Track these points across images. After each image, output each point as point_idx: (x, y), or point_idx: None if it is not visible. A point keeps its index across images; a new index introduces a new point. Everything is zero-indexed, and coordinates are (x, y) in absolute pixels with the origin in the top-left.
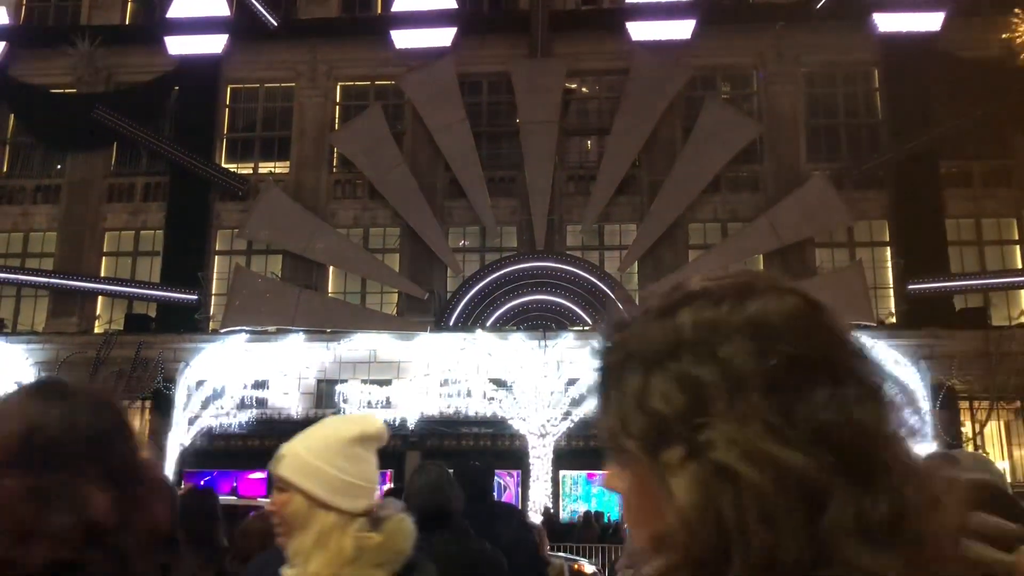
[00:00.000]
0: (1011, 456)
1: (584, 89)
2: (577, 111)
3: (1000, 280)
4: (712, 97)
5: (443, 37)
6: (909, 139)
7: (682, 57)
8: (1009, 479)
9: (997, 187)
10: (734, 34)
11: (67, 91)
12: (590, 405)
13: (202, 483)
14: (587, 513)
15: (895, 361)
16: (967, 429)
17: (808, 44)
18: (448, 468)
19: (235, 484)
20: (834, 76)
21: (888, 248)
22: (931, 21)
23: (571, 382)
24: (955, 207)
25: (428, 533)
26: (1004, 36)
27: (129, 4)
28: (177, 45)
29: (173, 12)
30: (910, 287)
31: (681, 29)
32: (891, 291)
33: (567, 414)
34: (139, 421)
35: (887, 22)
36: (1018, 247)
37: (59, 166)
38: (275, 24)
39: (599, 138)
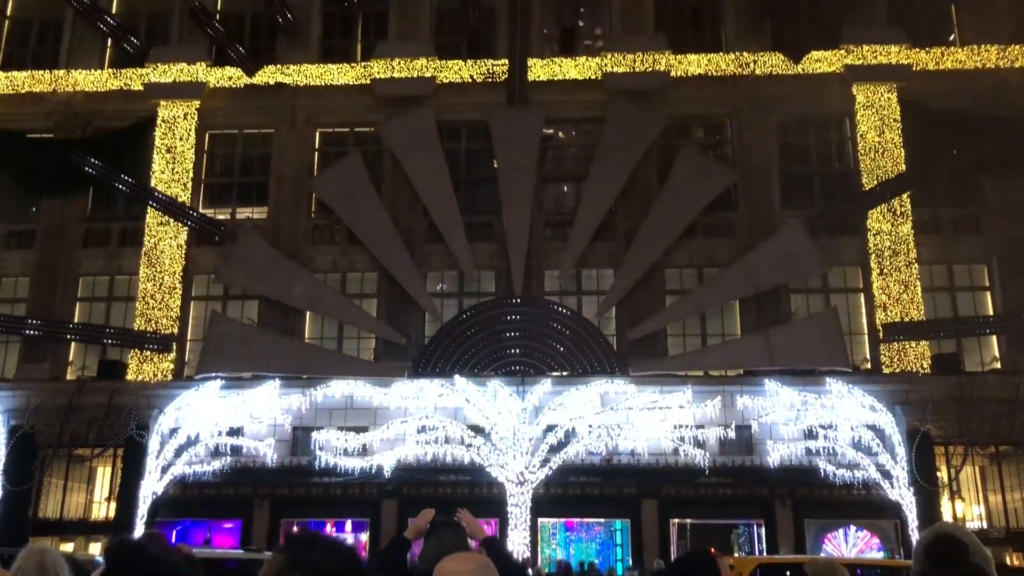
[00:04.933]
0: (986, 501)
1: (561, 135)
2: (554, 157)
3: (973, 326)
4: (687, 145)
5: (422, 86)
6: (881, 187)
7: (657, 106)
8: (984, 524)
9: (967, 233)
10: (708, 83)
11: (44, 136)
12: (568, 451)
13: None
14: (560, 563)
15: (871, 407)
16: (943, 474)
17: (781, 94)
18: (466, 534)
19: (208, 534)
20: (807, 125)
21: (862, 294)
22: (901, 73)
23: (549, 428)
24: (927, 253)
25: None
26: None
27: (108, 50)
28: (157, 92)
29: (152, 59)
30: (884, 333)
31: (656, 79)
32: (866, 337)
33: (545, 461)
34: (111, 469)
35: (858, 73)
36: (989, 293)
37: (34, 209)
38: (254, 71)
39: (576, 184)
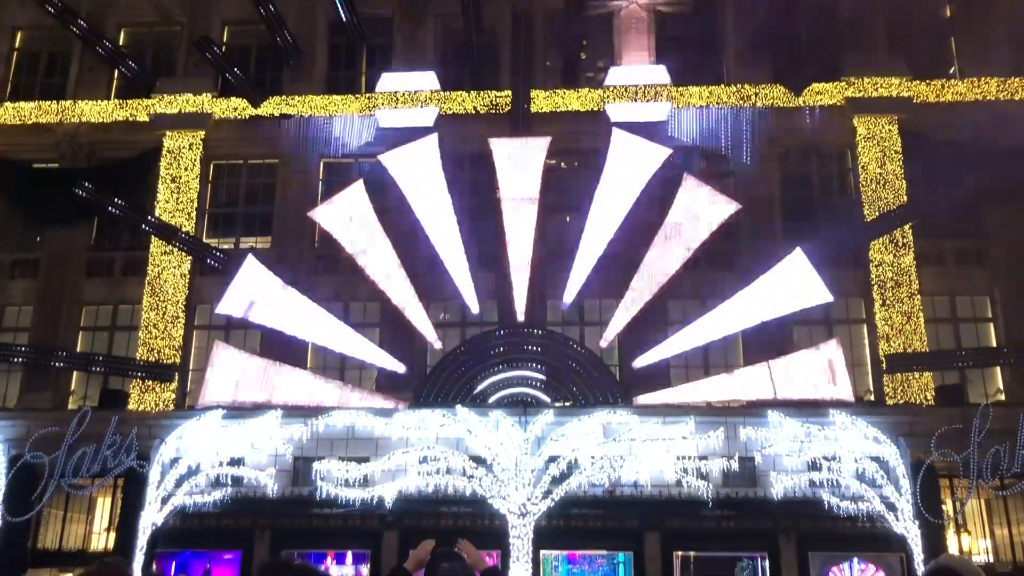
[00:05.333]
0: (992, 535)
1: (563, 166)
2: (557, 188)
3: (976, 358)
4: (689, 175)
5: (426, 116)
6: (884, 218)
7: (659, 137)
8: (991, 559)
9: (970, 266)
10: (710, 115)
11: (50, 166)
12: (570, 483)
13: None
14: None
15: (874, 438)
16: (947, 507)
17: (783, 126)
18: (467, 565)
19: (208, 566)
20: (809, 156)
21: (864, 325)
22: (901, 105)
23: (552, 459)
24: (930, 284)
25: None
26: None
27: (114, 81)
28: (162, 122)
29: (158, 90)
30: (888, 364)
31: (658, 111)
32: (869, 368)
33: (548, 492)
34: (111, 500)
35: (860, 105)
36: (992, 325)
37: (38, 239)
38: (259, 102)
39: (579, 214)
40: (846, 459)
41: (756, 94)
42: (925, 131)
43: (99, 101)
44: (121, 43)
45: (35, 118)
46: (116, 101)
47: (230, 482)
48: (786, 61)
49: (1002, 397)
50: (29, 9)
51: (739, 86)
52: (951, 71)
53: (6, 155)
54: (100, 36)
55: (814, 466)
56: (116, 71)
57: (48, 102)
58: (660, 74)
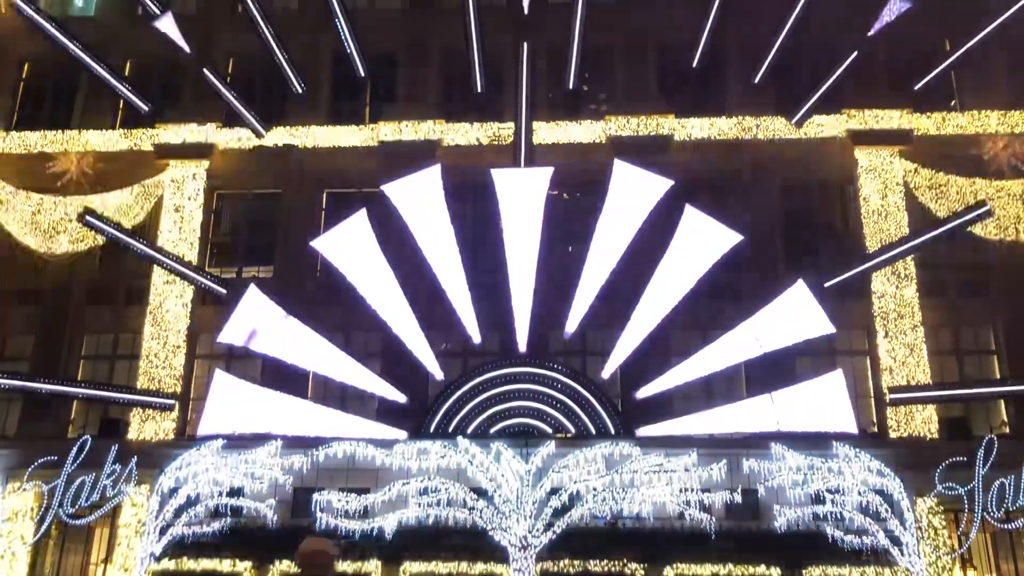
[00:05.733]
0: (998, 569)
1: (566, 197)
2: (559, 219)
3: (980, 391)
4: (691, 206)
5: (429, 148)
6: (886, 250)
7: (661, 168)
8: None
9: (972, 296)
10: (712, 146)
11: (55, 195)
12: (572, 515)
13: None
14: None
15: (878, 471)
16: (953, 541)
17: (784, 157)
18: None
19: None
20: (811, 188)
21: (867, 357)
22: (902, 137)
23: (553, 491)
24: (932, 316)
25: None
26: (977, 152)
27: (120, 111)
28: (166, 152)
29: (163, 120)
30: (891, 397)
31: (660, 142)
32: (872, 400)
33: (549, 525)
34: (108, 531)
35: (861, 138)
36: (995, 357)
37: (40, 268)
38: (263, 133)
39: (581, 245)
40: (850, 492)
41: (757, 126)
42: (926, 163)
43: (104, 131)
44: (127, 73)
45: (40, 148)
46: (121, 131)
47: (229, 513)
48: (787, 93)
49: (1007, 430)
50: (37, 41)
51: (740, 118)
52: (952, 104)
53: (10, 183)
54: (107, 68)
55: (818, 499)
56: (122, 101)
57: (54, 132)
58: (662, 106)
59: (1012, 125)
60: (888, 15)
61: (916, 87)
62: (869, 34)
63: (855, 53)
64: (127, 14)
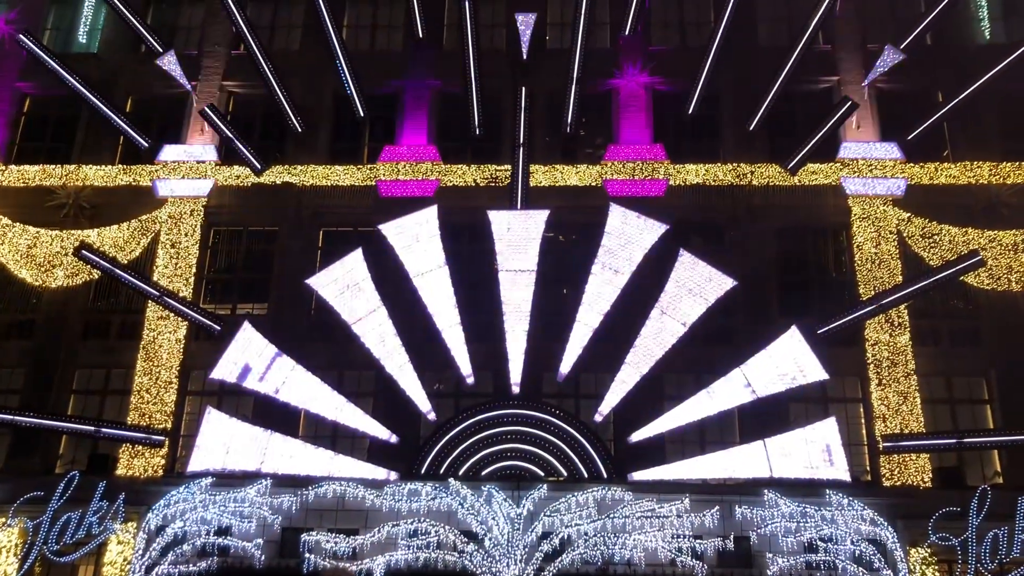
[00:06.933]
0: None
1: (561, 239)
2: (554, 261)
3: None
4: (686, 251)
5: (426, 188)
6: (880, 297)
7: (656, 213)
8: None
9: (966, 346)
10: (706, 192)
11: (51, 229)
12: (563, 560)
13: None
14: None
15: (871, 520)
16: None
17: (778, 204)
18: None
19: None
20: (805, 234)
21: (861, 405)
22: (895, 186)
23: (545, 535)
24: (925, 365)
25: None
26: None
27: (119, 147)
28: (164, 188)
29: (162, 156)
30: (884, 444)
31: (655, 187)
32: (865, 448)
33: (540, 570)
34: (93, 568)
35: (854, 186)
36: (988, 407)
37: (35, 300)
38: (262, 171)
39: (575, 287)
40: (843, 541)
41: (752, 172)
42: (919, 212)
43: (103, 166)
44: (128, 108)
45: (39, 181)
46: (120, 166)
47: (217, 552)
48: (782, 140)
49: (1000, 480)
50: (40, 75)
51: (735, 164)
52: (944, 154)
53: (7, 215)
54: (109, 104)
55: (810, 548)
56: (121, 137)
57: (53, 166)
58: (657, 151)
59: (1003, 176)
60: (882, 66)
61: (909, 137)
62: (863, 84)
63: (849, 103)
64: (131, 51)
